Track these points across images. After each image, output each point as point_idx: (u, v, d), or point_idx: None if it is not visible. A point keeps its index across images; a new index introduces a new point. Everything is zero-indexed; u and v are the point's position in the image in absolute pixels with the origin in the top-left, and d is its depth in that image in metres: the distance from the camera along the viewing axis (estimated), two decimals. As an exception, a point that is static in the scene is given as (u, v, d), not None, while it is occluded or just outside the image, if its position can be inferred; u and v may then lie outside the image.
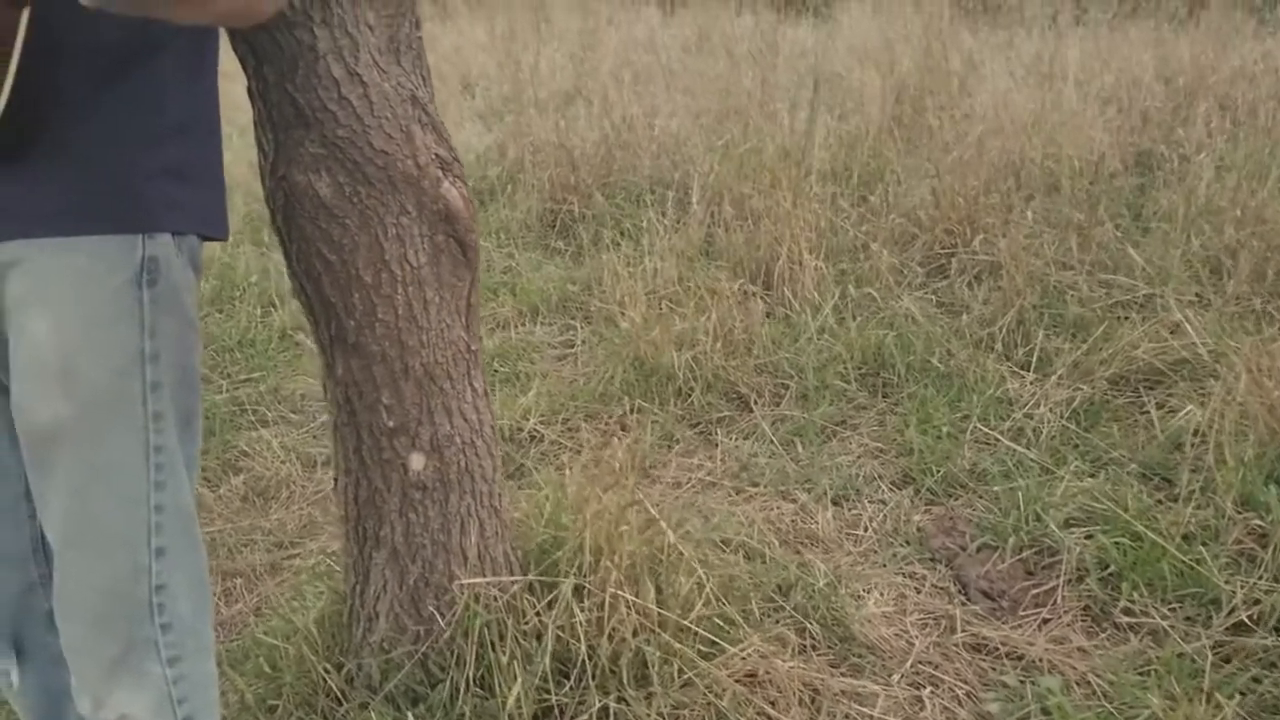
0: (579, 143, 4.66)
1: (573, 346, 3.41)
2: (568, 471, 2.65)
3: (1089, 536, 2.26)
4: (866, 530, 2.39)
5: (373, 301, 1.72)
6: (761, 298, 3.29)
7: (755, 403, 2.89)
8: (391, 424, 1.78)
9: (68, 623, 1.24)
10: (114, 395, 1.18)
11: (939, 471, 2.57)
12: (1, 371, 1.23)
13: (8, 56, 1.05)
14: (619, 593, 1.76)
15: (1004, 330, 3.08)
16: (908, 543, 2.35)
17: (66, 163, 1.15)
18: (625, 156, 4.56)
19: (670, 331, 3.07)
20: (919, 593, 2.19)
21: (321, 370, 1.82)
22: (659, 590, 1.83)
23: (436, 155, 1.73)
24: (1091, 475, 2.49)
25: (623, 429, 2.86)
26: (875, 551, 2.33)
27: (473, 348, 1.85)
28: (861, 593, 2.16)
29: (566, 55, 6.87)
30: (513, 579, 1.87)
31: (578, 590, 1.82)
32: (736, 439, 2.77)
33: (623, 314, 3.36)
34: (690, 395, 2.91)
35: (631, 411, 2.90)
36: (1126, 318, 3.14)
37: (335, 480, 1.90)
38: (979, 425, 2.74)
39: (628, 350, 3.08)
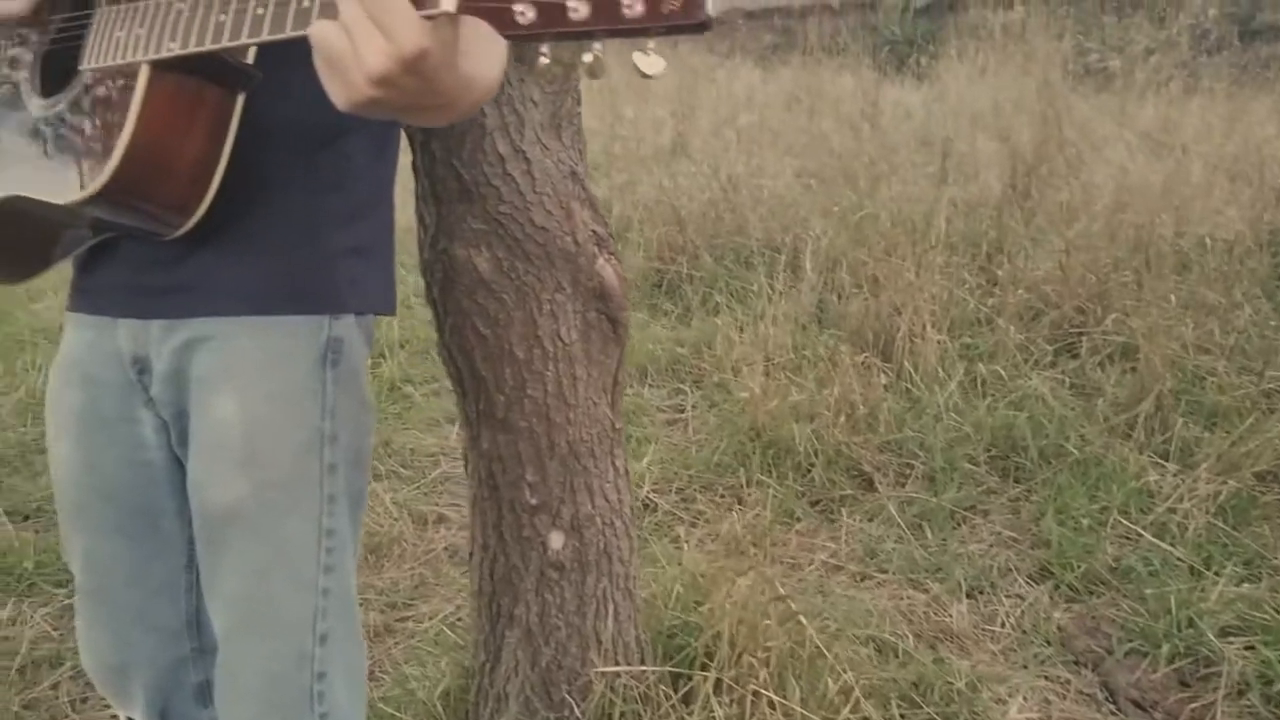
0: (686, 202, 4.64)
1: (683, 411, 3.35)
2: (685, 547, 2.59)
3: (1250, 648, 2.12)
4: (1004, 626, 2.28)
5: (523, 377, 1.69)
6: (881, 369, 3.20)
7: (879, 482, 2.80)
8: (534, 501, 1.74)
9: (229, 705, 1.21)
10: (293, 477, 1.17)
11: (1079, 567, 2.45)
12: (178, 446, 1.22)
13: (223, 141, 1.04)
14: (763, 691, 1.68)
15: (1141, 417, 2.94)
16: (1048, 642, 2.23)
17: (260, 241, 1.15)
18: (733, 217, 4.52)
19: (788, 401, 3.00)
20: (1064, 699, 2.07)
21: (465, 442, 1.80)
22: (802, 690, 1.74)
23: (594, 232, 1.70)
24: (1246, 580, 2.35)
25: (740, 502, 2.79)
26: (1014, 650, 2.21)
27: (617, 426, 1.80)
28: (1004, 696, 2.04)
29: (667, 110, 6.89)
30: (650, 669, 1.80)
31: (717, 684, 1.75)
32: (860, 520, 2.68)
33: (736, 379, 3.30)
34: (811, 470, 2.82)
35: (748, 484, 2.83)
36: (1273, 409, 2.99)
37: (470, 554, 1.86)
38: (1119, 518, 2.61)
39: (744, 419, 3.02)
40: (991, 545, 2.59)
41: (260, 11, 0.92)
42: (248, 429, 1.14)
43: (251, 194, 1.09)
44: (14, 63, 1.17)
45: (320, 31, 0.80)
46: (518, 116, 1.61)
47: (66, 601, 2.46)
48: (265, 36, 0.91)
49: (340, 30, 0.79)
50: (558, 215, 1.65)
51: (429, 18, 0.81)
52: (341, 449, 1.20)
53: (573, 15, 0.77)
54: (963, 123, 5.95)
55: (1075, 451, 2.85)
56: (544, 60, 0.80)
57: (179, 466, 1.23)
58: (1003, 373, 3.20)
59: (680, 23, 0.74)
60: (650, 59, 0.76)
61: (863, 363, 3.14)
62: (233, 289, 1.15)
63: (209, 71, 1.00)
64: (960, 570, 2.45)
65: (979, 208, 4.29)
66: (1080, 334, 3.42)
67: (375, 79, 0.79)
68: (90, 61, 1.04)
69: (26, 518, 2.87)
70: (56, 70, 1.14)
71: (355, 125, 1.21)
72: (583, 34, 0.78)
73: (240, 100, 1.04)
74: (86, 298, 1.24)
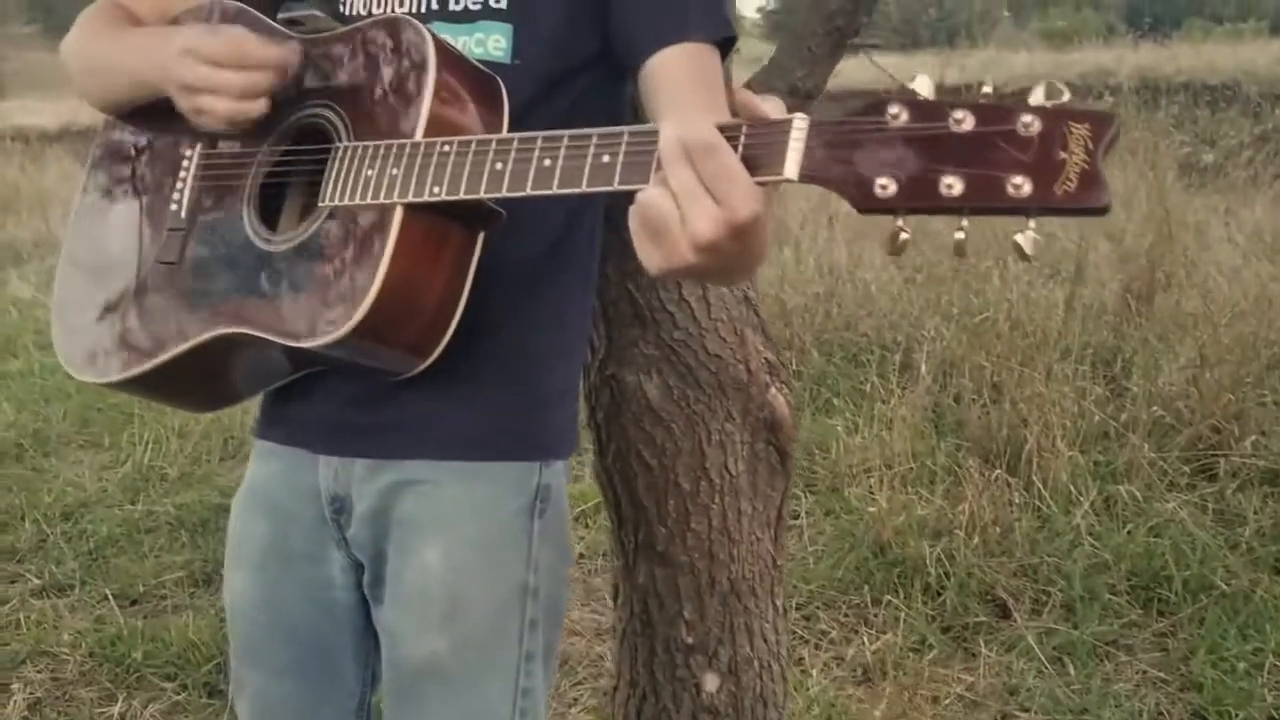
0: (791, 293, 4.57)
1: (797, 517, 3.24)
2: (812, 673, 2.47)
3: None
4: (1164, 782, 2.12)
5: (688, 510, 1.60)
6: (1008, 482, 3.06)
7: (1015, 609, 2.65)
8: (690, 640, 1.65)
9: None
10: (493, 633, 1.11)
11: (1237, 715, 2.28)
12: (369, 588, 1.16)
13: (464, 282, 1.00)
14: None
15: (1292, 550, 2.77)
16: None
17: (475, 382, 1.10)
18: (840, 312, 4.44)
19: (914, 515, 2.88)
20: None
21: (617, 573, 1.71)
22: None
23: (766, 360, 1.63)
24: None
25: (865, 623, 2.66)
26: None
27: (779, 563, 1.71)
28: None
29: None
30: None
31: None
32: (997, 651, 2.53)
33: (854, 486, 3.19)
34: (942, 594, 2.69)
35: (874, 604, 2.70)
36: None
37: (615, 689, 1.76)
38: (1276, 662, 2.43)
39: (866, 533, 2.90)
40: (1139, 685, 2.43)
41: (548, 163, 0.88)
42: (451, 580, 1.09)
43: (471, 333, 1.04)
44: (221, 186, 1.13)
45: (647, 197, 0.76)
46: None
47: (176, 698, 2.41)
48: (554, 190, 0.87)
49: (667, 194, 0.75)
50: (731, 342, 1.59)
51: (766, 184, 0.76)
52: (542, 603, 1.14)
53: (946, 191, 0.70)
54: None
55: (1223, 585, 2.68)
56: (904, 237, 0.74)
57: (363, 607, 1.18)
58: (1137, 494, 3.04)
59: (1075, 206, 0.67)
60: (1028, 236, 0.69)
61: (993, 478, 3.00)
62: (444, 432, 1.11)
63: (458, 212, 0.96)
64: (1109, 714, 2.29)
65: (1100, 314, 4.15)
66: (1217, 454, 3.25)
67: (701, 246, 0.75)
68: (334, 198, 1.00)
69: (134, 602, 2.84)
70: (269, 199, 1.11)
71: (572, 259, 1.16)
72: (952, 210, 0.72)
73: (481, 240, 1.00)
74: (281, 427, 1.20)
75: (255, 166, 1.09)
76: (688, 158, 0.75)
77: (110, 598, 2.80)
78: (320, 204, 1.01)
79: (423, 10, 1.11)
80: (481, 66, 1.04)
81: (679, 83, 1.04)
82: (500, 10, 1.09)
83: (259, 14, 1.15)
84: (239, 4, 1.17)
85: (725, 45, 1.08)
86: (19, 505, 3.29)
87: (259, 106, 1.03)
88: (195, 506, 3.28)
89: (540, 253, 1.12)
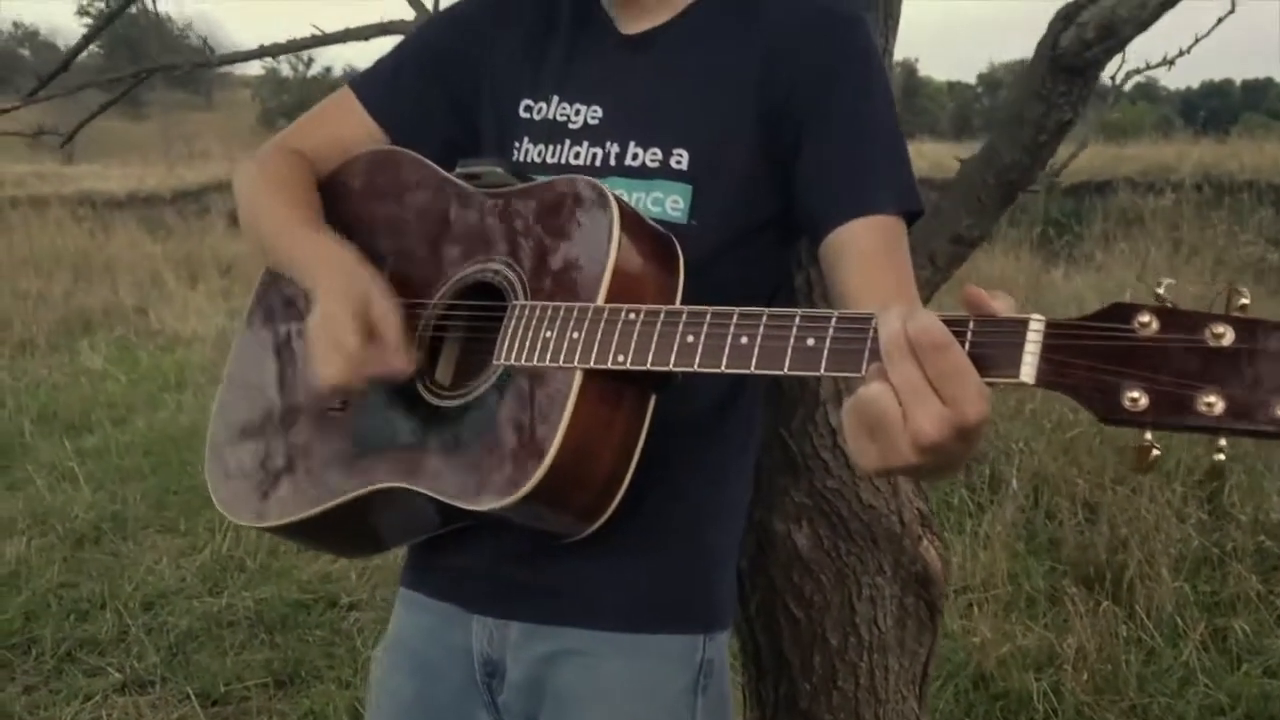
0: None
1: (887, 636, 3.14)
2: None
3: None
4: None
5: (834, 666, 1.54)
6: (1113, 612, 2.95)
7: (1129, 754, 2.54)
8: (830, 802, 1.57)
9: None
10: None
11: None
12: None
13: (636, 444, 0.97)
14: None
15: None
16: None
17: (640, 545, 1.07)
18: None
19: (1016, 644, 2.78)
20: None
21: (752, 725, 1.65)
22: None
23: (919, 511, 1.58)
24: None
25: (971, 760, 2.55)
26: None
27: (921, 720, 1.64)
28: None
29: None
30: None
31: None
32: (1113, 798, 2.41)
33: (949, 605, 3.09)
34: (1051, 732, 2.58)
35: (978, 738, 2.59)
36: None
37: None
38: None
39: (968, 662, 2.80)
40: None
41: (744, 341, 0.85)
42: None
43: (638, 493, 1.00)
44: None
45: (869, 394, 0.72)
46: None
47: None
48: (752, 369, 0.84)
49: (889, 390, 0.71)
50: (885, 493, 1.54)
51: (996, 385, 0.72)
52: None
53: (1205, 409, 0.67)
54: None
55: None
56: (1155, 454, 0.70)
57: None
58: (1247, 630, 2.92)
59: None
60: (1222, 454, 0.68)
61: (1098, 607, 2.90)
62: (607, 599, 1.07)
63: (635, 375, 0.93)
64: None
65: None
66: (1330, 589, 3.12)
67: (924, 447, 0.71)
68: (510, 357, 0.97)
69: (215, 702, 2.79)
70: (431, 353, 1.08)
71: (741, 418, 1.13)
72: (1211, 430, 0.68)
73: (653, 401, 0.98)
74: (431, 579, 1.17)
75: (425, 320, 1.08)
76: (913, 353, 0.71)
77: (192, 697, 2.75)
78: (495, 362, 0.99)
79: (598, 164, 1.10)
80: (658, 227, 1.02)
81: (869, 258, 1.01)
82: (680, 171, 1.07)
83: (426, 161, 1.15)
84: (407, 155, 1.17)
85: (911, 217, 1.06)
86: (100, 594, 3.27)
87: (359, 392, 1.04)
88: (274, 602, 3.24)
89: (707, 409, 1.09)
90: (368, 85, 1.23)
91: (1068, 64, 1.32)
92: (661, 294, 0.96)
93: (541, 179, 1.07)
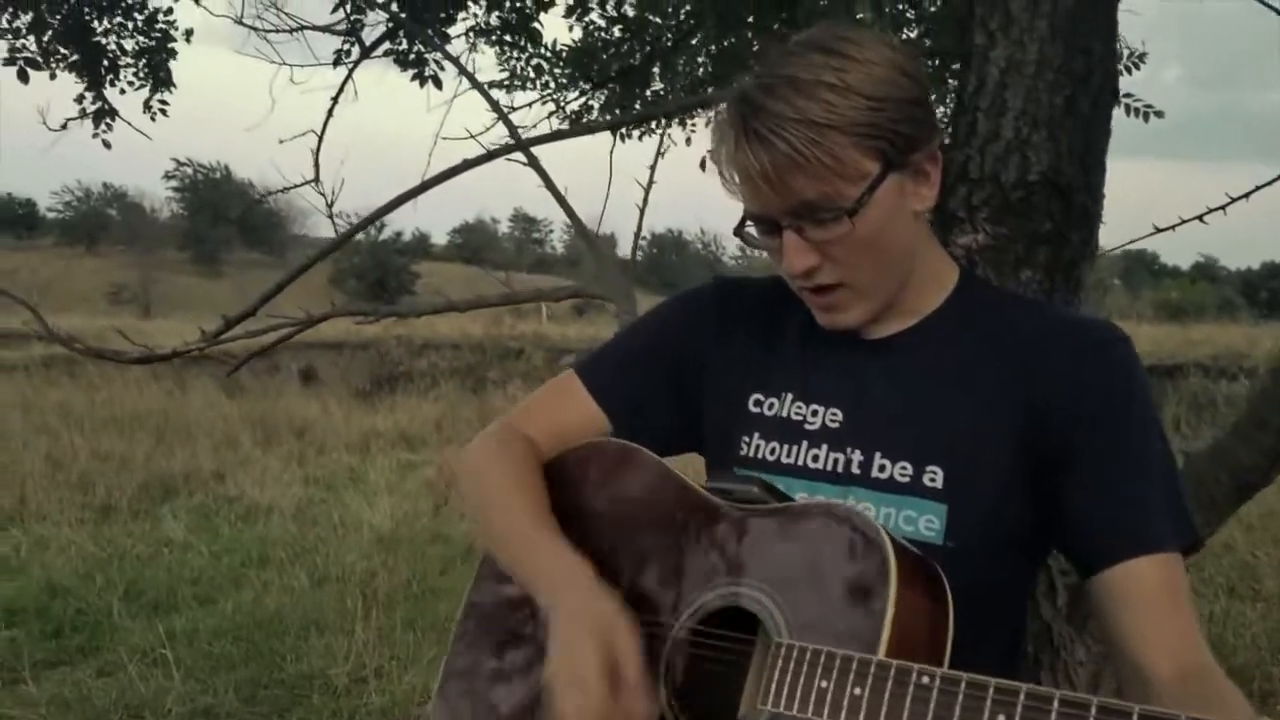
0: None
1: None
2: None
3: None
4: None
5: None
6: None
7: None
8: None
9: None
10: None
11: None
12: None
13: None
14: None
15: None
16: None
17: None
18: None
19: None
20: None
21: None
22: None
23: None
24: None
25: None
26: None
27: None
28: None
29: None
30: None
31: None
32: None
33: None
34: None
35: None
36: None
37: None
38: None
39: None
40: None
41: None
42: None
43: None
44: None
45: None
46: None
47: None
48: None
49: None
50: None
51: None
52: None
53: None
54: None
55: None
56: None
57: None
58: None
59: None
60: None
61: None
62: None
63: None
64: None
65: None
66: None
67: None
68: (777, 704, 0.91)
69: None
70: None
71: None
72: None
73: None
74: None
75: (668, 651, 1.03)
76: None
77: None
78: (759, 706, 0.94)
79: (839, 470, 1.08)
80: (922, 555, 0.97)
81: (1154, 600, 0.99)
82: (935, 489, 1.04)
83: (663, 463, 1.13)
84: (643, 455, 1.14)
85: (1189, 549, 1.03)
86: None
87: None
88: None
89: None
90: (592, 370, 1.24)
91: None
92: (936, 631, 0.92)
93: (801, 499, 1.04)
